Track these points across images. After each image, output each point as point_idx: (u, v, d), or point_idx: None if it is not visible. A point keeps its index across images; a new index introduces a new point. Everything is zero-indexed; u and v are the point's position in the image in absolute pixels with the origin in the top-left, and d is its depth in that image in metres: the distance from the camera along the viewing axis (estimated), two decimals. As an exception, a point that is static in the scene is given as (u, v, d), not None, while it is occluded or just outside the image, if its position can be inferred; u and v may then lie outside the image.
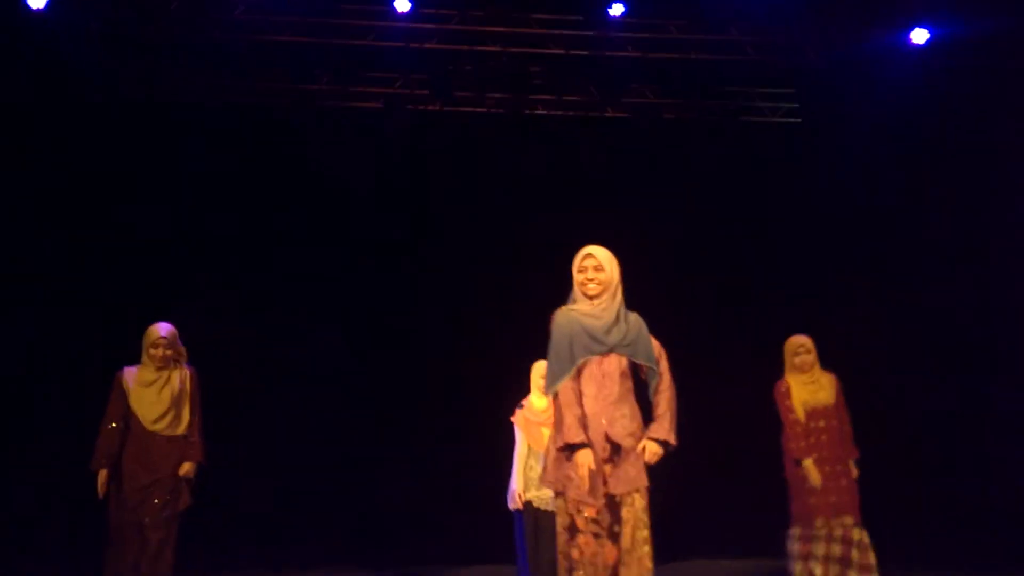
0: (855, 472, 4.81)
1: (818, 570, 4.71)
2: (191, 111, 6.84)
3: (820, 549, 4.73)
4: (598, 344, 3.38)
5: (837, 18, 6.67)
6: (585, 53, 6.88)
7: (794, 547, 4.82)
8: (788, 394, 4.90)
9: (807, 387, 4.88)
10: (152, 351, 4.35)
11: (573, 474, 3.29)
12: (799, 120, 7.32)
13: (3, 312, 6.25)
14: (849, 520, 4.71)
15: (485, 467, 5.93)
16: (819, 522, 4.73)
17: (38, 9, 6.09)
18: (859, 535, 4.70)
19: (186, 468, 4.29)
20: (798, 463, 4.77)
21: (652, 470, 3.40)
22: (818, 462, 4.73)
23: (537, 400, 5.46)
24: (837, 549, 4.70)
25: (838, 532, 4.70)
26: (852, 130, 6.79)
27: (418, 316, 7.11)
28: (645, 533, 3.29)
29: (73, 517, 5.36)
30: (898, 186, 6.86)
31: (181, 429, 4.34)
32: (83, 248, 6.60)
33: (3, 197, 6.36)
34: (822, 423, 4.81)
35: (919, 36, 6.50)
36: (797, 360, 4.92)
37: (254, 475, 6.38)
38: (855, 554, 4.67)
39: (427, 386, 6.89)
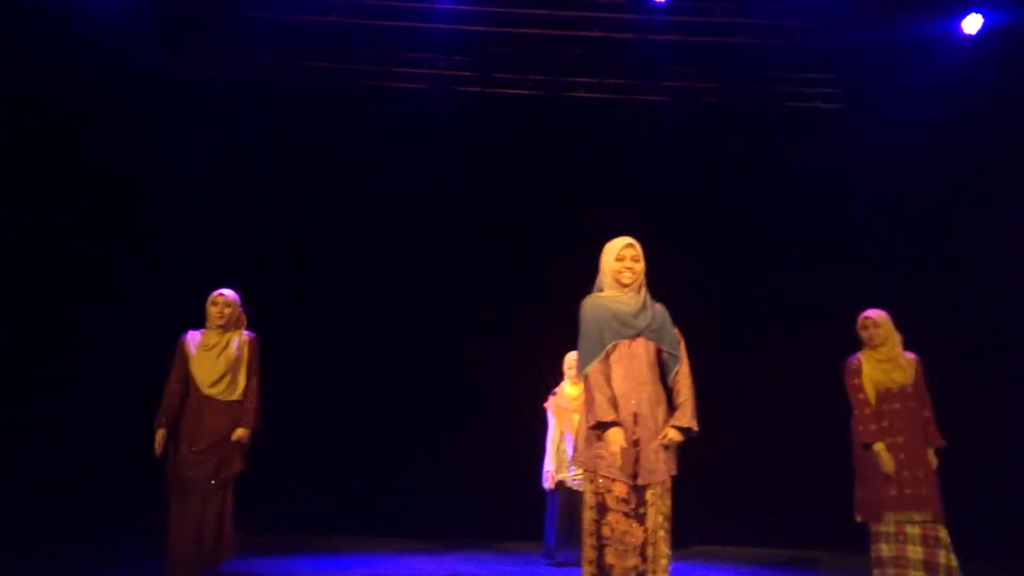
0: (934, 463, 4.37)
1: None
2: (236, 89, 6.98)
3: (891, 550, 4.29)
4: (627, 328, 3.49)
5: (883, 3, 6.53)
6: (626, 36, 6.86)
7: (874, 549, 4.37)
8: (858, 372, 4.50)
9: (880, 365, 4.46)
10: (210, 308, 4.53)
11: (605, 452, 3.38)
12: (843, 106, 7.20)
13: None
14: (927, 516, 4.25)
15: (521, 449, 6.08)
16: (887, 518, 4.30)
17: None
18: (943, 534, 4.24)
19: (239, 433, 4.42)
20: (867, 447, 4.36)
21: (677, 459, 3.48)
22: (891, 448, 4.31)
23: (569, 387, 5.65)
24: (919, 551, 4.24)
25: (915, 531, 4.25)
26: (896, 117, 6.69)
27: (457, 301, 7.25)
28: (663, 519, 3.39)
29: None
30: (939, 175, 6.73)
31: (237, 394, 4.47)
32: (136, 224, 6.84)
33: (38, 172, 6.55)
34: (897, 406, 4.39)
35: (972, 23, 6.35)
36: (864, 335, 4.54)
37: (298, 444, 6.62)
38: (942, 556, 4.20)
39: (468, 373, 7.06)
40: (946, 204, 6.78)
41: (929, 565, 4.21)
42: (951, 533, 4.29)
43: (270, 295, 6.34)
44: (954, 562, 4.21)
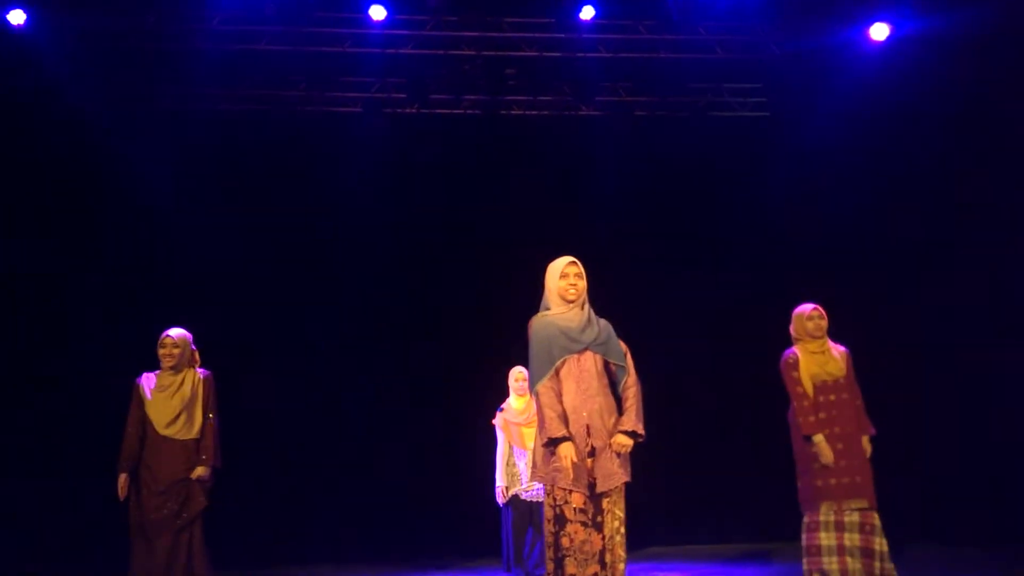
0: (868, 450, 4.45)
1: (833, 564, 4.32)
2: (170, 119, 6.94)
3: (830, 539, 4.35)
4: (575, 343, 3.61)
5: (799, 14, 6.87)
6: (558, 55, 7.07)
7: (804, 539, 4.44)
8: (795, 365, 4.52)
9: (816, 358, 4.52)
10: (159, 351, 4.51)
11: (560, 466, 3.49)
12: (767, 114, 7.53)
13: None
14: (864, 503, 4.32)
15: (471, 468, 6.17)
16: (824, 507, 4.36)
17: (17, 26, 6.18)
18: (877, 521, 4.33)
19: (199, 472, 4.40)
20: (807, 439, 4.40)
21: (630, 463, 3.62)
22: (829, 439, 4.37)
23: (516, 402, 5.75)
24: (856, 539, 4.32)
25: (853, 518, 4.33)
26: (817, 122, 7.01)
27: (399, 321, 7.30)
28: (619, 524, 3.52)
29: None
30: (860, 176, 7.08)
31: (193, 433, 4.45)
32: (62, 260, 6.74)
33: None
34: (832, 397, 4.46)
35: (879, 32, 6.73)
36: (811, 325, 4.56)
37: (256, 476, 6.60)
38: (876, 543, 4.30)
39: (414, 393, 7.12)
40: (863, 203, 7.12)
41: (866, 551, 4.32)
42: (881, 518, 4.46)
43: (216, 325, 6.28)
44: (885, 547, 4.32)
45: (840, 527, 4.36)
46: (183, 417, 4.43)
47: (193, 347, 4.62)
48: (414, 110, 7.27)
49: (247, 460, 6.17)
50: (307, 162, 7.26)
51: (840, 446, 4.40)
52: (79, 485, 6.02)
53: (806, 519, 4.47)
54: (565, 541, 3.45)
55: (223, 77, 6.93)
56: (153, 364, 4.57)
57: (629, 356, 3.71)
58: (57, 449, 6.39)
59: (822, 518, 4.39)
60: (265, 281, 7.09)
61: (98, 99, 6.73)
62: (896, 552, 4.40)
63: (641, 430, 3.57)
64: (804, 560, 4.44)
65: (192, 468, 4.40)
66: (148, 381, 4.52)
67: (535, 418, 3.75)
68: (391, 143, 7.26)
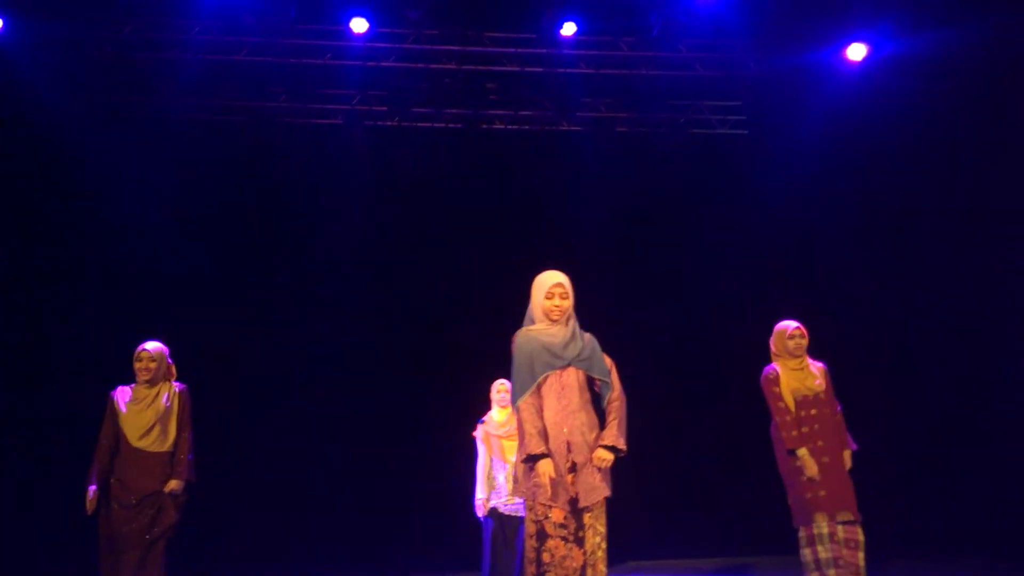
0: (848, 464, 4.50)
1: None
2: (148, 129, 6.87)
3: (827, 552, 4.35)
4: (557, 359, 3.59)
5: (778, 34, 6.96)
6: (539, 70, 7.09)
7: (804, 554, 4.42)
8: (776, 381, 4.58)
9: (795, 374, 4.58)
10: (135, 364, 4.44)
11: (539, 482, 3.46)
12: (745, 132, 7.60)
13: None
14: (850, 516, 4.37)
15: (452, 480, 6.13)
16: (818, 518, 4.39)
17: (-7, 33, 6.11)
18: (861, 536, 4.36)
19: (171, 485, 4.33)
20: (791, 453, 4.45)
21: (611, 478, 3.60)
22: (814, 453, 4.42)
23: (498, 414, 5.75)
24: (844, 553, 4.33)
25: (842, 535, 4.35)
26: (795, 140, 7.11)
27: (379, 332, 7.24)
28: (600, 539, 3.50)
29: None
30: (838, 193, 7.17)
31: (167, 446, 4.38)
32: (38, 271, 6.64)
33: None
34: (814, 411, 4.51)
35: (856, 52, 6.83)
36: (792, 344, 4.61)
37: (232, 488, 6.49)
38: (860, 558, 4.33)
39: (396, 406, 7.07)
40: (844, 219, 7.21)
41: (850, 567, 4.32)
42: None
43: (191, 335, 6.21)
44: (863, 562, 4.34)
45: (833, 540, 4.38)
46: (156, 429, 4.37)
47: (169, 360, 4.55)
48: (395, 123, 7.26)
49: (222, 472, 6.09)
50: (287, 174, 7.23)
51: (825, 459, 4.44)
52: (48, 493, 5.92)
53: (802, 533, 4.47)
54: (546, 556, 3.44)
55: (202, 87, 6.89)
56: (128, 377, 4.49)
57: (615, 371, 3.69)
58: (28, 456, 6.28)
59: (816, 531, 4.40)
60: (243, 293, 7.03)
61: (75, 108, 6.68)
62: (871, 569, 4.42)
63: (622, 445, 3.56)
64: (813, 574, 4.41)
65: (165, 482, 4.33)
66: (123, 395, 4.45)
67: (516, 432, 3.74)
68: (371, 156, 7.23)
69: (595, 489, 3.50)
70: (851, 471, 4.54)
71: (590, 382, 3.66)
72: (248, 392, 6.83)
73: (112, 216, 6.78)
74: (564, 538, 3.44)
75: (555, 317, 3.66)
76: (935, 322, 6.57)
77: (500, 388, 5.76)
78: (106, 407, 4.42)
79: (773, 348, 4.75)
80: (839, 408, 4.63)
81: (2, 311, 6.56)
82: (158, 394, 4.44)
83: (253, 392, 6.87)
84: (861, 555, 4.35)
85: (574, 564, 3.42)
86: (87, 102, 6.76)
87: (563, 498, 3.46)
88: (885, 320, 6.87)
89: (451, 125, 7.37)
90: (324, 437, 6.96)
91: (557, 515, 3.46)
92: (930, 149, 6.65)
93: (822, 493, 4.40)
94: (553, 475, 3.45)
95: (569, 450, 3.52)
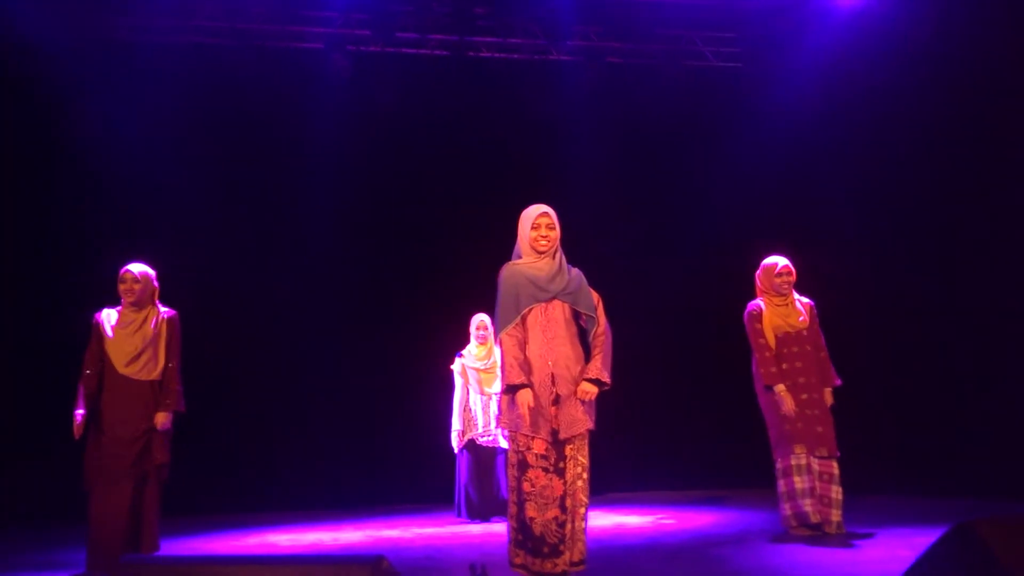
0: (830, 401, 4.55)
1: (808, 506, 4.37)
2: (124, 51, 6.63)
3: (803, 482, 4.40)
4: (542, 292, 3.58)
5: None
6: (529, -5, 6.85)
7: (780, 485, 4.49)
8: (759, 317, 4.60)
9: (779, 310, 4.59)
10: (120, 287, 4.27)
11: (520, 413, 3.48)
12: (739, 64, 7.43)
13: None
14: (824, 452, 4.42)
15: (428, 414, 6.16)
16: (798, 449, 4.42)
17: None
18: (836, 470, 4.43)
19: (160, 419, 4.18)
20: (769, 389, 4.50)
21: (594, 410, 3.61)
22: (792, 389, 4.46)
23: (476, 348, 5.81)
24: (820, 486, 4.41)
25: (817, 467, 4.42)
26: (791, 74, 6.95)
27: (362, 265, 7.18)
28: (581, 470, 3.57)
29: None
30: (833, 129, 7.06)
31: (155, 374, 4.23)
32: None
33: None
34: (795, 349, 4.53)
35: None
36: (779, 281, 4.61)
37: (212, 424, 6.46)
38: (834, 491, 4.41)
39: (376, 340, 7.03)
40: (837, 155, 7.11)
41: (824, 499, 4.40)
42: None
43: (172, 263, 6.12)
44: (840, 495, 4.42)
45: (810, 470, 4.44)
46: (145, 356, 4.21)
47: (155, 284, 4.42)
48: (378, 48, 7.03)
49: (204, 407, 6.06)
50: (266, 98, 6.98)
51: (804, 396, 4.49)
52: (38, 422, 5.89)
53: (779, 465, 4.53)
54: (527, 486, 3.50)
55: (177, 9, 6.64)
56: (113, 300, 4.34)
57: (601, 305, 3.70)
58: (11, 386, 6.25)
59: (794, 462, 4.46)
60: (224, 220, 6.89)
61: (47, 31, 6.38)
62: (848, 502, 4.49)
63: (606, 378, 3.58)
64: (785, 505, 4.49)
65: (152, 414, 4.20)
66: (108, 318, 4.27)
67: (496, 365, 3.74)
68: (353, 82, 7.01)
69: (577, 421, 3.53)
70: (834, 407, 4.59)
71: (576, 316, 3.65)
72: (229, 323, 6.75)
73: (87, 140, 6.56)
74: (545, 468, 3.50)
75: (541, 248, 3.64)
76: (931, 261, 6.53)
77: (479, 324, 5.82)
78: (91, 331, 4.25)
79: (759, 284, 4.75)
80: (824, 345, 4.63)
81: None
82: (145, 319, 4.28)
83: (234, 323, 6.79)
84: (835, 488, 4.43)
85: (554, 494, 3.49)
86: (60, 24, 6.46)
87: (545, 429, 3.51)
88: (878, 258, 6.84)
89: (437, 52, 7.15)
90: (299, 370, 6.95)
91: (539, 446, 3.50)
92: (931, 92, 6.52)
93: (799, 426, 4.46)
94: (532, 404, 3.47)
95: (553, 382, 3.54)
